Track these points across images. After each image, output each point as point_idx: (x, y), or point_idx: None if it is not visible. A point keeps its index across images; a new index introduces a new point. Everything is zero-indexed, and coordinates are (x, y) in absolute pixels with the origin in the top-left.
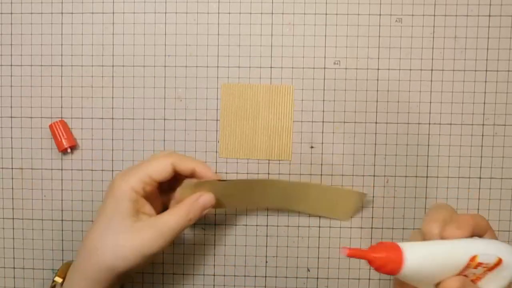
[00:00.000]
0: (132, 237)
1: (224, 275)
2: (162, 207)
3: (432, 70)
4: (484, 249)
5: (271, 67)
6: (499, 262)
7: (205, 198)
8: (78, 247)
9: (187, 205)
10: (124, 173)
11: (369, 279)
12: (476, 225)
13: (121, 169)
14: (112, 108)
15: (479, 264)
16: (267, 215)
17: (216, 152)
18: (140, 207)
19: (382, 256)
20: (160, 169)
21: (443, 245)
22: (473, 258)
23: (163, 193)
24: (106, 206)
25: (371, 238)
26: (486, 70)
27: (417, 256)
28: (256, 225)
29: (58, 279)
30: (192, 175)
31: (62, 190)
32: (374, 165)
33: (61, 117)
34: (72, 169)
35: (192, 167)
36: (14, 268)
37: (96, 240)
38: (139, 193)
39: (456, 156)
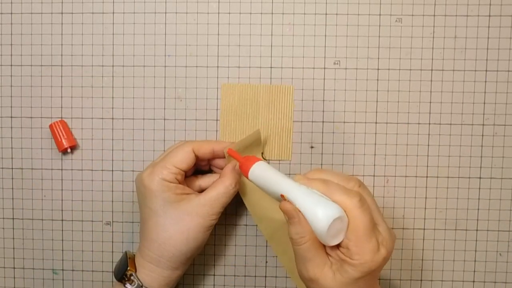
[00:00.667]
0: (192, 218)
1: (224, 275)
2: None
3: (432, 70)
4: (290, 193)
5: (271, 67)
6: (286, 201)
7: (239, 166)
8: (143, 240)
9: (227, 176)
10: (150, 170)
11: None
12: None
13: (121, 169)
14: (112, 108)
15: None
16: None
17: None
18: (182, 191)
19: (242, 162)
20: (183, 158)
21: (275, 178)
22: (282, 196)
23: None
24: (147, 202)
25: None
26: (486, 70)
27: (257, 173)
28: (256, 225)
29: (132, 270)
30: (213, 156)
31: (62, 190)
32: (374, 165)
33: (61, 117)
34: (72, 169)
35: (210, 148)
36: (14, 268)
37: (161, 232)
38: (174, 182)
39: (456, 156)
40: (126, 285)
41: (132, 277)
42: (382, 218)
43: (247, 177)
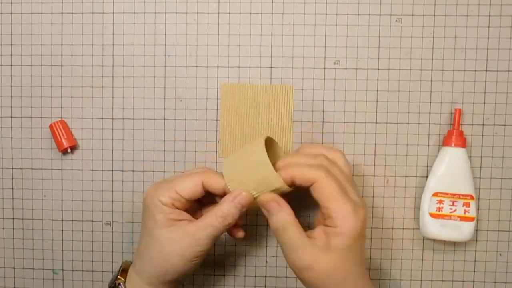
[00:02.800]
0: (174, 246)
1: (224, 275)
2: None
3: (432, 70)
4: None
5: (271, 67)
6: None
7: (241, 197)
8: (135, 252)
9: (220, 206)
10: (156, 186)
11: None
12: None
13: (121, 169)
14: (112, 108)
15: None
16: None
17: (216, 152)
18: (176, 216)
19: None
20: (189, 188)
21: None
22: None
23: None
24: (144, 218)
25: (371, 238)
26: (486, 70)
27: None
28: (256, 225)
29: (121, 278)
30: (224, 193)
31: (62, 190)
32: (374, 165)
33: (61, 117)
34: (72, 169)
35: (223, 185)
36: (14, 268)
37: (146, 250)
38: (170, 207)
39: None
40: None
41: (119, 286)
42: (352, 188)
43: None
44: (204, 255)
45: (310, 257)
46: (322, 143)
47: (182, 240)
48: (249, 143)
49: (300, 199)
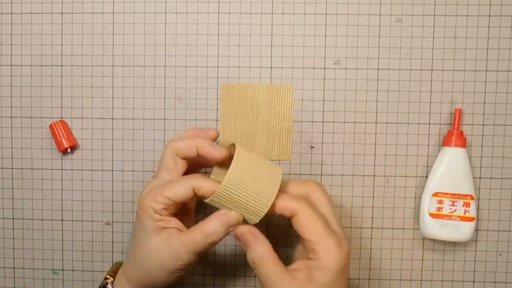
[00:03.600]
0: (156, 256)
1: (224, 275)
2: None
3: (432, 70)
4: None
5: (271, 67)
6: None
7: (229, 216)
8: (126, 253)
9: (206, 222)
10: (148, 191)
11: (369, 279)
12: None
13: (121, 169)
14: (112, 108)
15: None
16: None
17: None
18: (165, 223)
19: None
20: (180, 193)
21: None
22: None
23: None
24: (135, 221)
25: (371, 238)
26: (486, 70)
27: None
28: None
29: (110, 278)
30: None
31: (62, 190)
32: (374, 165)
33: (61, 117)
34: (72, 169)
35: (213, 191)
36: (14, 268)
37: (132, 254)
38: (161, 213)
39: None
40: None
41: (107, 285)
42: (335, 221)
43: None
44: (187, 269)
45: None
46: (322, 143)
47: (164, 252)
48: (269, 167)
49: (279, 231)
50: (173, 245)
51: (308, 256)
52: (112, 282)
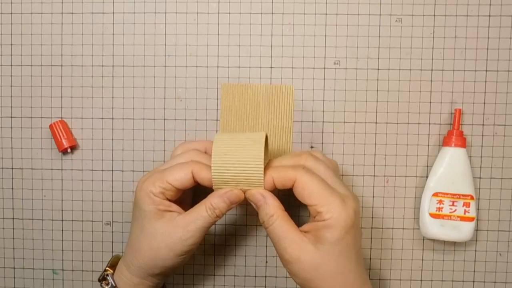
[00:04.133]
0: (164, 239)
1: (224, 275)
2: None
3: (432, 70)
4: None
5: (271, 67)
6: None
7: (231, 194)
8: (126, 244)
9: (210, 198)
10: (146, 177)
11: (369, 279)
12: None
13: (121, 169)
14: (112, 108)
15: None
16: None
17: None
18: (165, 207)
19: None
20: (179, 178)
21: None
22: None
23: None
24: (135, 209)
25: (371, 238)
26: (486, 70)
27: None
28: (256, 225)
29: (110, 270)
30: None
31: (62, 190)
32: (374, 165)
33: (61, 117)
34: (72, 169)
35: (210, 177)
36: (14, 268)
37: (136, 242)
38: (160, 196)
39: None
40: (102, 285)
41: (107, 277)
42: (341, 184)
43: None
44: (194, 249)
45: (298, 250)
46: (322, 143)
47: (173, 233)
48: (249, 136)
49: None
50: (182, 225)
51: (314, 218)
52: (112, 274)
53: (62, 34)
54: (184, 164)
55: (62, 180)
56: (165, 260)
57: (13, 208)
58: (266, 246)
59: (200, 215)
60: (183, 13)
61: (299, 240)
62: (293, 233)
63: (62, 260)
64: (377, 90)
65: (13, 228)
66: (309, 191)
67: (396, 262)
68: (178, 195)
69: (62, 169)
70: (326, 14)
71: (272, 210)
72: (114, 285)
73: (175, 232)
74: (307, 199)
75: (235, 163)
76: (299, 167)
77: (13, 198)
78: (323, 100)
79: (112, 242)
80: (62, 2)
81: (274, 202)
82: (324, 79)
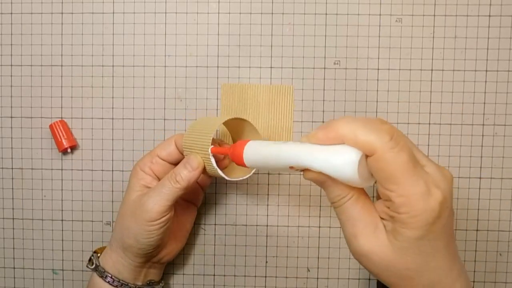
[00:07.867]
0: (129, 206)
1: (224, 275)
2: None
3: (432, 70)
4: (298, 161)
5: (271, 67)
6: (308, 170)
7: (189, 159)
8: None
9: (175, 169)
10: (142, 156)
11: (369, 279)
12: (342, 135)
13: (121, 169)
14: (112, 108)
15: (297, 169)
16: (267, 215)
17: None
18: (148, 183)
19: (232, 151)
20: (164, 147)
21: (275, 152)
22: (291, 167)
23: None
24: (128, 184)
25: None
26: (486, 70)
27: (252, 157)
28: (256, 225)
29: (97, 252)
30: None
31: (62, 190)
32: None
33: (61, 117)
34: (72, 169)
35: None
36: (14, 268)
37: (119, 217)
38: (146, 172)
39: (456, 156)
40: (87, 265)
41: (92, 257)
42: (427, 158)
43: (245, 165)
44: (162, 224)
45: (369, 244)
46: None
47: (139, 201)
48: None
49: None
50: (147, 195)
51: (386, 204)
52: (98, 256)
53: (62, 34)
54: (169, 137)
55: (62, 180)
56: (129, 229)
57: (13, 208)
58: (266, 246)
59: (162, 185)
60: (183, 13)
61: (373, 226)
62: (367, 215)
63: (62, 260)
64: (377, 90)
65: (13, 228)
66: (389, 173)
67: None
68: (166, 168)
69: (62, 169)
70: (326, 14)
71: (342, 191)
72: (98, 264)
73: (140, 201)
74: (384, 179)
75: (194, 132)
76: (385, 133)
77: (13, 198)
78: (323, 100)
79: None
80: (62, 2)
81: (337, 184)
82: (324, 79)
